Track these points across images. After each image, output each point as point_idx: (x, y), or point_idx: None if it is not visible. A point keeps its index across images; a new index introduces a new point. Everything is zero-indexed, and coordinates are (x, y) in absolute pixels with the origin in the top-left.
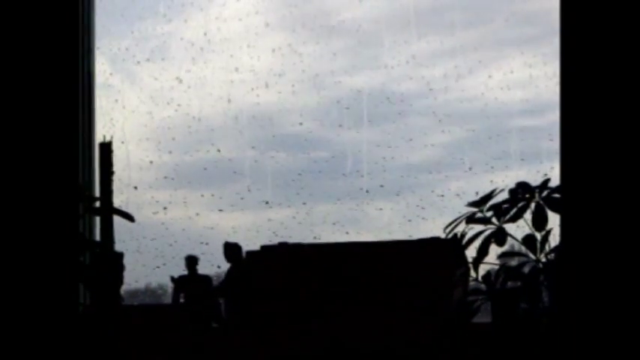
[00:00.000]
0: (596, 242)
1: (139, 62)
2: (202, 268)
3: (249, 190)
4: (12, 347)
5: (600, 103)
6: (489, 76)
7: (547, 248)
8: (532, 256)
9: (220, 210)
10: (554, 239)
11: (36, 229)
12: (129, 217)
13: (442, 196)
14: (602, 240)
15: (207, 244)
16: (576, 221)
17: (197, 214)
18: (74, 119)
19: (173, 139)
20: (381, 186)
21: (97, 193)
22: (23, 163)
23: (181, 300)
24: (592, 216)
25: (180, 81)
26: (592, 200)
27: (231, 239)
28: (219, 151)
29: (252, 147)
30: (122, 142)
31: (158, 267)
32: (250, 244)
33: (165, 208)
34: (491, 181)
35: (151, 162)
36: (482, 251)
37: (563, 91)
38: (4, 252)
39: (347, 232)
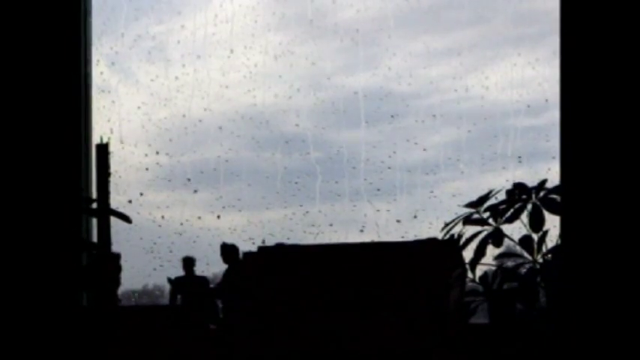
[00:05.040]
0: (597, 243)
1: (136, 63)
2: (199, 270)
3: (246, 192)
4: (12, 349)
5: (600, 102)
6: (486, 77)
7: (544, 249)
8: (529, 257)
9: (217, 211)
10: (551, 240)
11: (36, 231)
12: (126, 219)
13: (439, 197)
14: (603, 240)
15: (204, 245)
16: (576, 222)
17: (194, 216)
18: (75, 121)
19: (170, 140)
20: (378, 188)
21: (94, 195)
22: (24, 165)
23: (178, 301)
24: (592, 216)
25: (177, 82)
26: (592, 201)
27: (229, 240)
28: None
29: (249, 148)
30: (119, 143)
31: (155, 269)
32: (247, 245)
33: (160, 208)
34: (488, 182)
35: (148, 163)
36: (480, 252)
37: (563, 90)
38: (4, 254)
39: (344, 233)
